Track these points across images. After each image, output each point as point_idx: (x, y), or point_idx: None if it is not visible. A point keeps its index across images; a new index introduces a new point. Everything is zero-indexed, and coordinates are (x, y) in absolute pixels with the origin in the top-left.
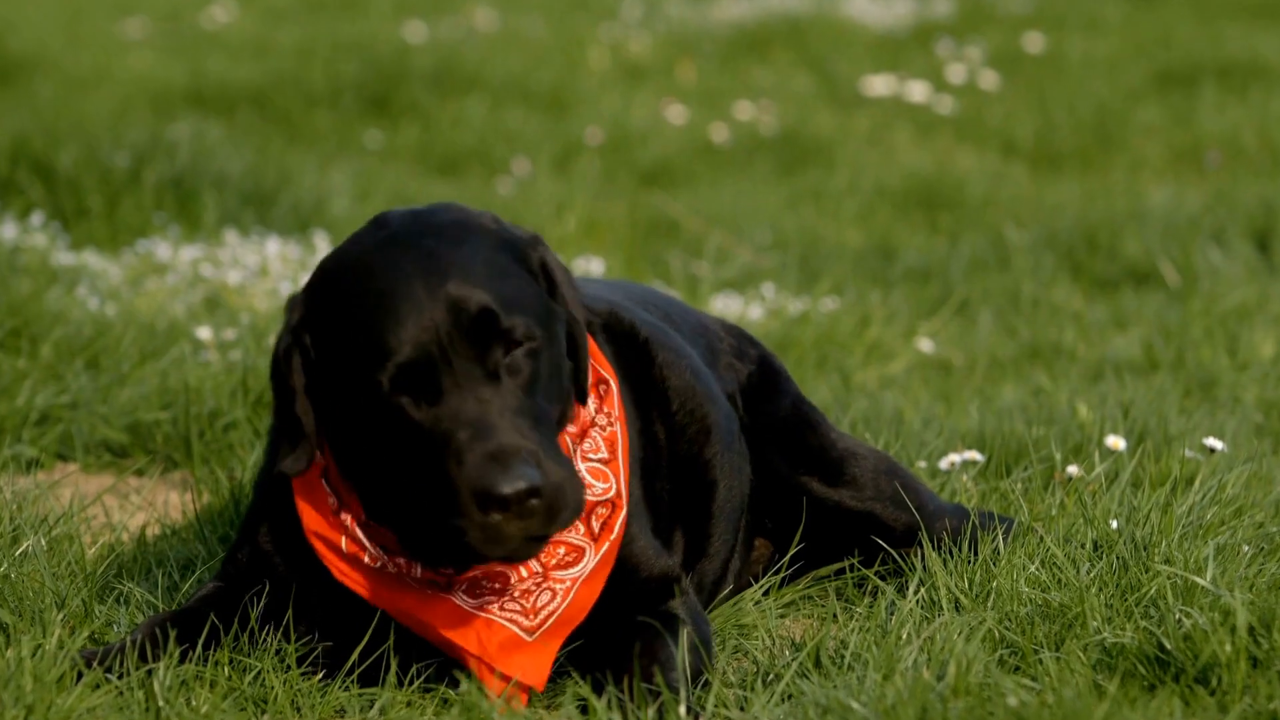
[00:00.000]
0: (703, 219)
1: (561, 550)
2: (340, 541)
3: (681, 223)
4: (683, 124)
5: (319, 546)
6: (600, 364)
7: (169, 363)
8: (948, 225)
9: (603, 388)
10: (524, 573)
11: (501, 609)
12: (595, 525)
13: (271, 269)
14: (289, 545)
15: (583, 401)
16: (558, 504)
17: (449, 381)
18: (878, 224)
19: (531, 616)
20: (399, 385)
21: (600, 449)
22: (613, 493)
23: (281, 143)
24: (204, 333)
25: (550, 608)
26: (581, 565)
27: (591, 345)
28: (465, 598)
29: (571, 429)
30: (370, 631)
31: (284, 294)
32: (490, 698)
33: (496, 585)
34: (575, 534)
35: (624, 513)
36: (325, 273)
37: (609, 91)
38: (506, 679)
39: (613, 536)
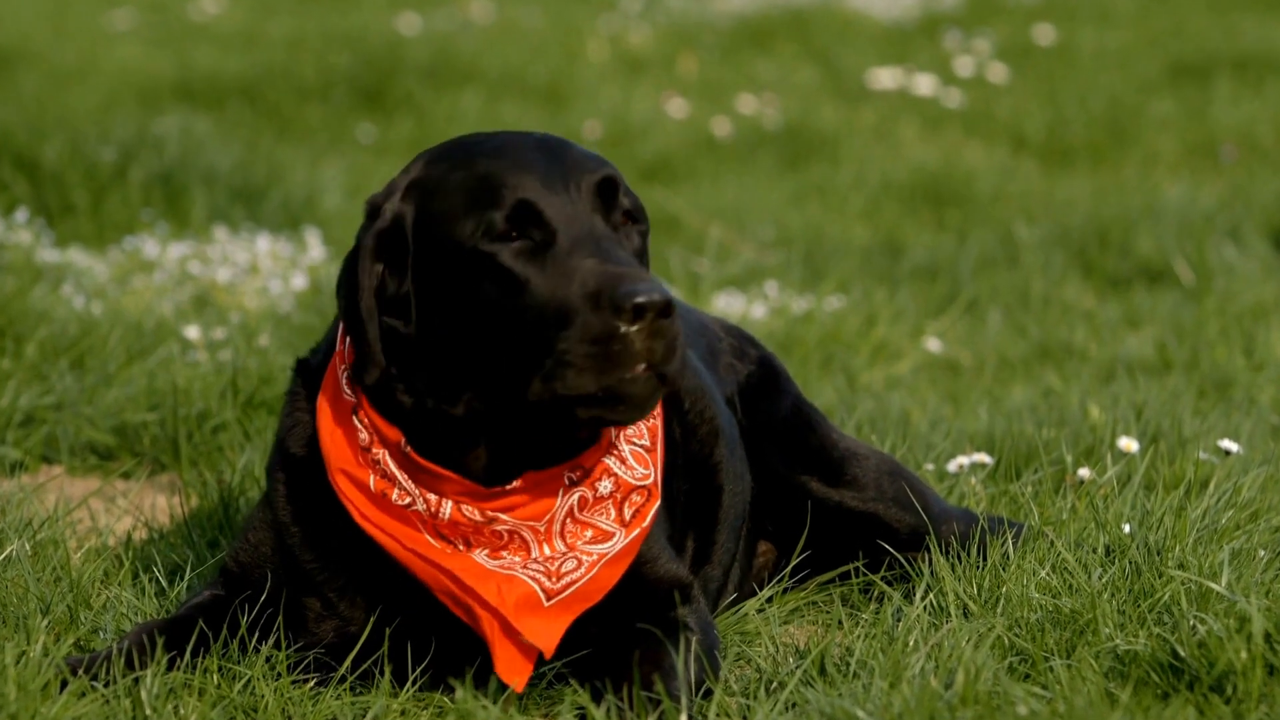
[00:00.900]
0: (704, 215)
1: (589, 533)
2: (369, 479)
3: (683, 219)
4: (684, 117)
5: (345, 486)
6: None
7: (156, 363)
8: (956, 222)
9: None
10: (547, 550)
11: (525, 568)
12: (628, 512)
13: (262, 266)
14: (310, 510)
15: None
16: (680, 346)
17: (568, 220)
18: (884, 220)
19: (554, 580)
20: (515, 220)
21: (644, 435)
22: (650, 480)
23: (272, 137)
24: (192, 332)
25: (573, 576)
26: (610, 544)
27: None
28: (486, 559)
29: None
30: (379, 613)
31: (275, 292)
32: (495, 664)
33: (517, 558)
34: (605, 519)
35: (658, 503)
36: (432, 153)
37: (608, 84)
38: (515, 641)
39: (644, 524)
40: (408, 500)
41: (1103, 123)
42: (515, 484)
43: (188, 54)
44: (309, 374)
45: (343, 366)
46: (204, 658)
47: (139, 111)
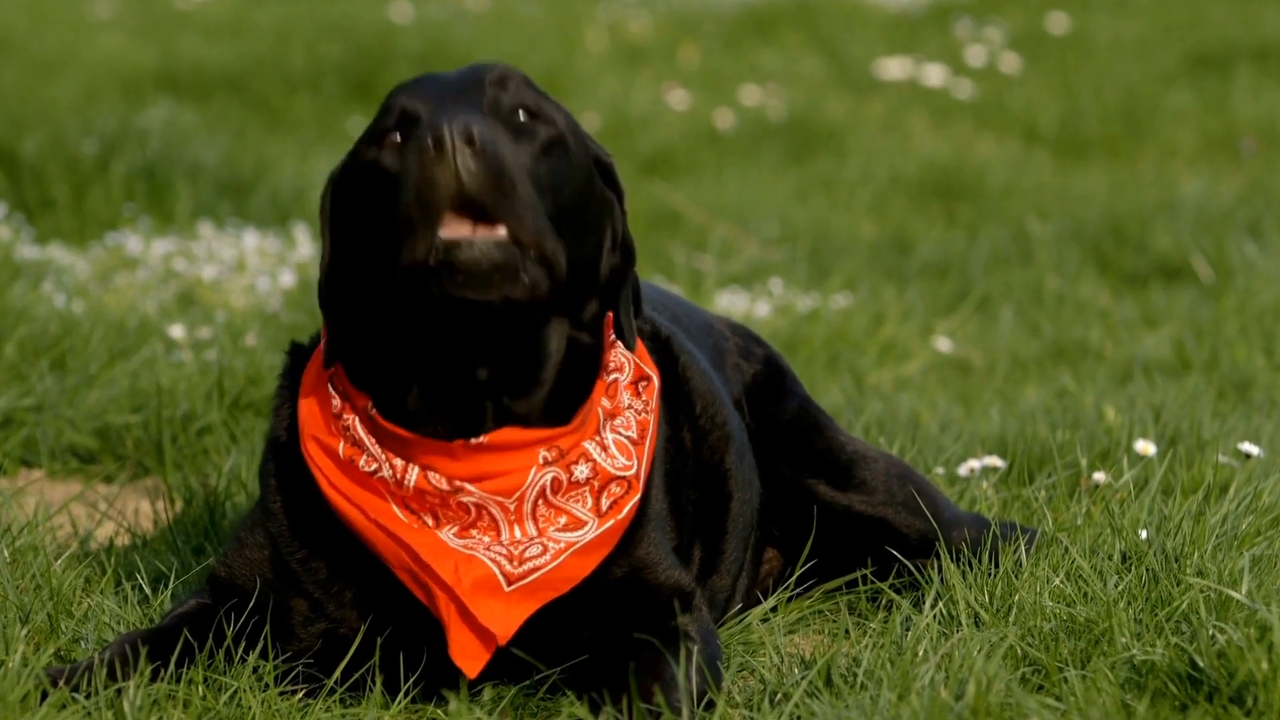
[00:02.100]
0: (706, 210)
1: (563, 519)
2: (338, 446)
3: (684, 214)
4: (685, 109)
5: (314, 452)
6: (644, 361)
7: (140, 363)
8: (967, 217)
9: (643, 384)
10: (518, 533)
11: (487, 550)
12: (605, 502)
13: (249, 263)
14: (296, 497)
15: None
16: (508, 186)
17: (435, 109)
18: (892, 215)
19: (516, 564)
20: (397, 126)
21: (631, 427)
22: (631, 472)
23: (260, 129)
24: (177, 331)
25: (537, 562)
26: (581, 533)
27: (639, 345)
28: (452, 537)
29: (606, 404)
30: (369, 610)
31: (262, 290)
32: (449, 648)
33: (486, 538)
34: (581, 506)
35: (637, 497)
36: None
37: (607, 75)
38: (471, 625)
39: (619, 516)
40: (374, 466)
41: (1119, 115)
42: (483, 440)
43: (172, 43)
44: (299, 355)
45: (325, 339)
46: (189, 668)
47: (121, 103)
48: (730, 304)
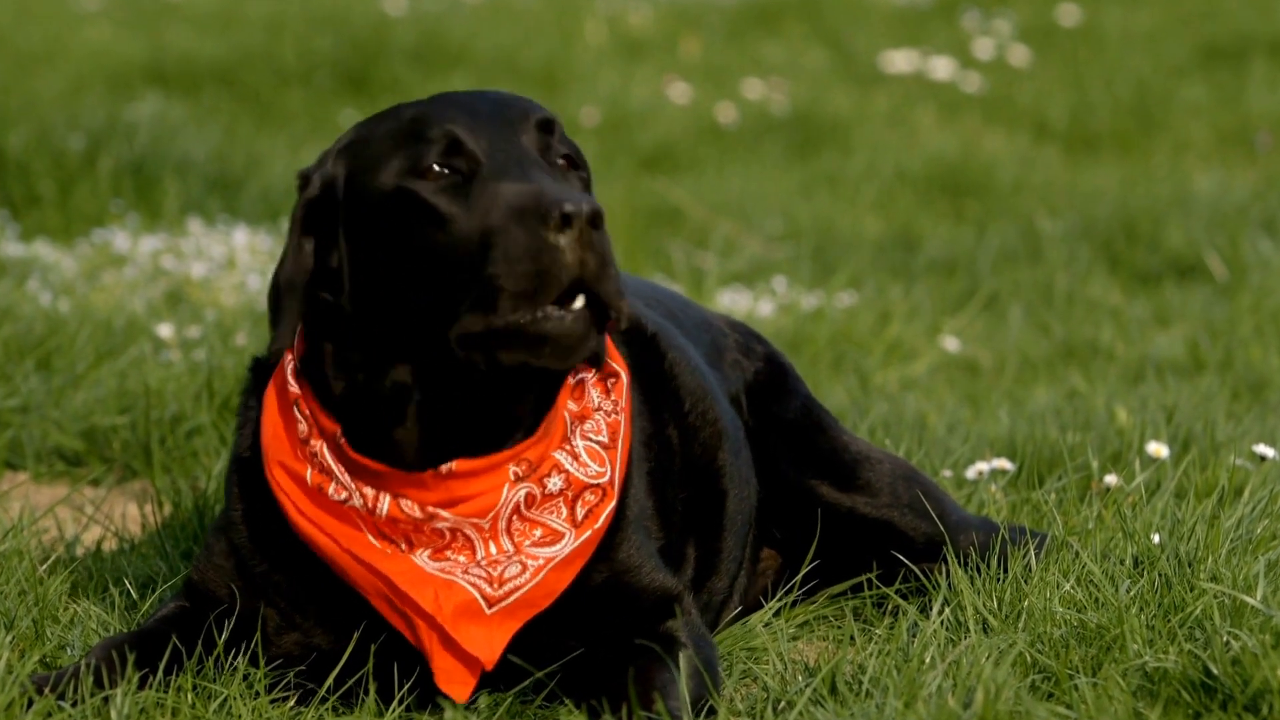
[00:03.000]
0: (708, 207)
1: (538, 532)
2: (305, 473)
3: (685, 211)
4: (686, 103)
5: (281, 478)
6: (612, 356)
7: (127, 363)
8: (975, 213)
9: (611, 380)
10: (493, 549)
11: (465, 573)
12: (580, 512)
13: (239, 261)
14: (258, 512)
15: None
16: (614, 266)
17: (493, 148)
18: (899, 212)
19: (496, 586)
20: (441, 155)
21: (602, 431)
22: (605, 479)
23: (250, 124)
24: (165, 330)
25: (517, 582)
26: (558, 547)
27: (606, 340)
28: (428, 560)
29: (573, 407)
30: (339, 623)
31: (252, 288)
32: (434, 678)
33: (461, 558)
34: (556, 518)
35: (612, 504)
36: (365, 119)
37: (607, 68)
38: (455, 652)
39: (596, 525)
40: (344, 495)
41: (1130, 108)
42: (451, 466)
43: (161, 35)
44: (262, 371)
45: (291, 359)
46: (177, 675)
47: (109, 97)
48: (732, 302)
